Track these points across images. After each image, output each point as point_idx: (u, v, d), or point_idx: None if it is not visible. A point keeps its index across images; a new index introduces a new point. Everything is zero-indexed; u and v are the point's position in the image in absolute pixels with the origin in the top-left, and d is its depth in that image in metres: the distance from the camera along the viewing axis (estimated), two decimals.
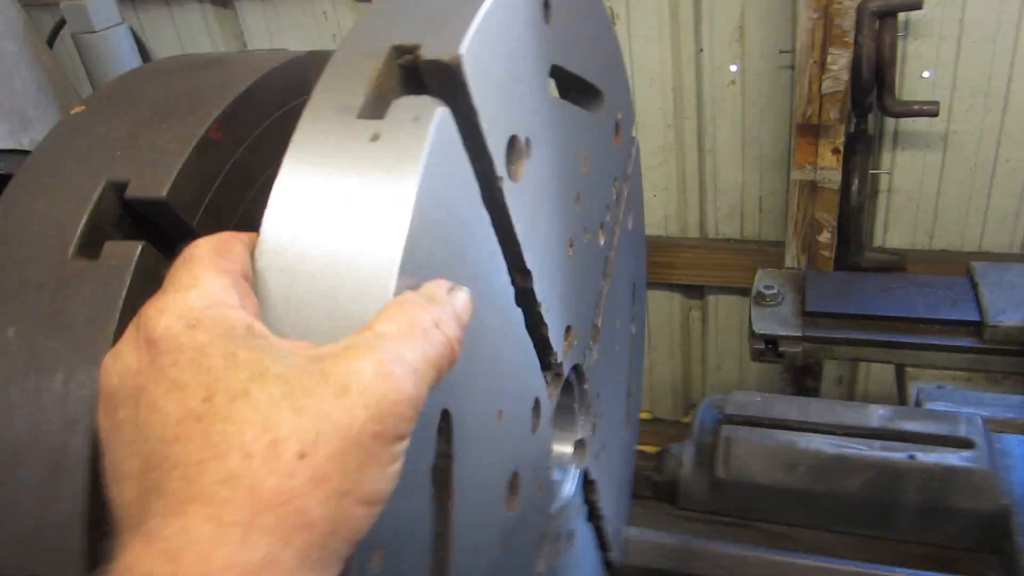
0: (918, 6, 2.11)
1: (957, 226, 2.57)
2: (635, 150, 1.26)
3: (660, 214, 2.87)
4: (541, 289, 0.82)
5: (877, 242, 2.67)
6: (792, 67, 2.43)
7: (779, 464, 1.44)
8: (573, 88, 0.95)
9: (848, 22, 2.06)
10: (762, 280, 1.93)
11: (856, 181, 2.36)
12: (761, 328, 1.79)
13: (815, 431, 1.47)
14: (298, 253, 0.53)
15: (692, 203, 2.80)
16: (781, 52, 2.40)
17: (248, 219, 0.79)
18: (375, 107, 0.58)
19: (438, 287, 0.55)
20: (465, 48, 0.60)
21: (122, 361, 0.50)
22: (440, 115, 0.56)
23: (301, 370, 0.47)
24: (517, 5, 0.70)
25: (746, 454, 1.46)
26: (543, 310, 0.84)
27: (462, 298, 0.57)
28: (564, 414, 1.07)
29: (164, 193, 0.69)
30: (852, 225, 2.44)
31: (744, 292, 2.87)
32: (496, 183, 0.67)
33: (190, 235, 0.71)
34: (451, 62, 0.59)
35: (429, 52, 0.60)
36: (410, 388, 0.48)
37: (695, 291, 3.01)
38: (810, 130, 2.27)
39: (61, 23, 2.42)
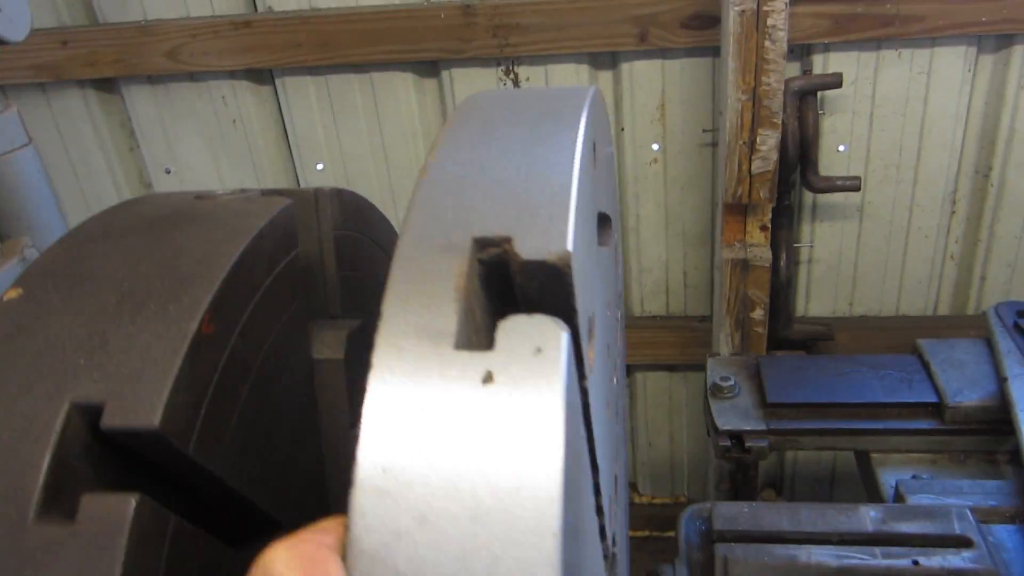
0: (838, 85, 2.14)
1: (875, 292, 2.61)
2: (619, 260, 1.16)
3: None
4: (603, 478, 0.70)
5: (799, 312, 2.68)
6: (714, 144, 2.43)
7: None
8: (600, 229, 0.84)
9: (776, 103, 2.06)
10: (715, 371, 1.86)
11: (784, 255, 2.36)
12: (725, 424, 1.72)
13: (811, 542, 1.39)
14: (412, 559, 0.38)
15: None
16: (704, 131, 2.40)
17: (248, 428, 0.63)
18: (472, 330, 0.45)
19: None
20: (571, 243, 0.48)
21: None
22: (566, 341, 0.44)
23: None
24: (585, 163, 0.59)
25: (747, 574, 1.36)
26: (604, 501, 0.72)
27: None
28: None
29: (157, 421, 0.52)
30: (781, 299, 2.44)
31: (671, 368, 2.83)
32: (584, 386, 0.55)
33: (187, 466, 0.54)
34: (559, 263, 0.47)
35: (527, 249, 0.47)
36: None
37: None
38: (739, 209, 2.26)
39: None
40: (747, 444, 1.73)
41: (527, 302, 0.50)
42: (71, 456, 0.52)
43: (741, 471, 2.43)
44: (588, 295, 0.59)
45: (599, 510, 0.68)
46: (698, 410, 2.85)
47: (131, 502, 0.48)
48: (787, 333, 2.53)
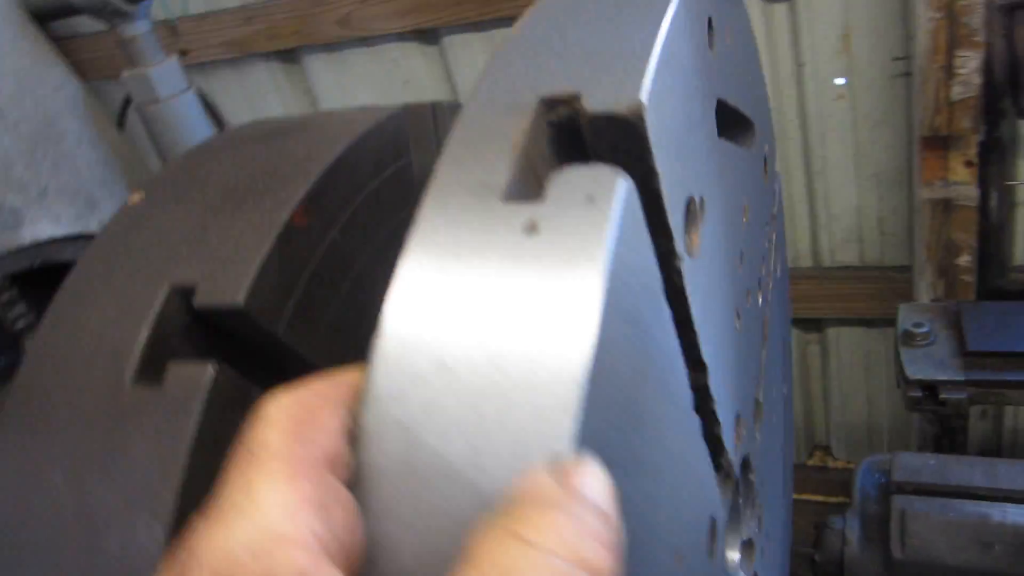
0: None
1: None
2: (779, 186, 1.07)
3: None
4: (716, 382, 0.65)
5: (1017, 260, 2.39)
6: (907, 73, 2.20)
7: (970, 542, 1.21)
8: (728, 123, 0.77)
9: (976, 20, 1.83)
10: (908, 316, 1.69)
11: (995, 195, 2.11)
12: (916, 373, 1.56)
13: (1008, 500, 1.23)
14: (427, 404, 0.36)
15: (802, 230, 2.57)
16: (894, 59, 2.18)
17: (345, 320, 0.64)
18: (525, 184, 0.42)
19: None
20: (646, 94, 0.43)
21: None
22: (624, 190, 0.39)
23: None
24: (685, 30, 0.54)
25: (927, 530, 1.24)
26: (716, 407, 0.66)
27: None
28: (731, 516, 0.88)
29: (241, 299, 0.54)
30: (992, 244, 2.18)
31: (868, 323, 2.62)
32: (675, 264, 0.50)
33: (275, 346, 0.55)
34: (630, 114, 0.42)
35: (595, 103, 0.43)
36: None
37: (812, 324, 2.76)
38: (938, 143, 2.04)
39: (128, 100, 2.35)
40: (941, 396, 1.56)
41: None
42: (167, 331, 0.55)
43: (947, 435, 2.22)
44: (689, 171, 0.54)
45: (708, 414, 0.63)
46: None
47: (209, 369, 0.50)
48: (1001, 283, 2.26)
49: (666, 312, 0.49)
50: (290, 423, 0.37)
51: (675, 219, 0.49)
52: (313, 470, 0.35)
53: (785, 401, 1.18)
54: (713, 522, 0.66)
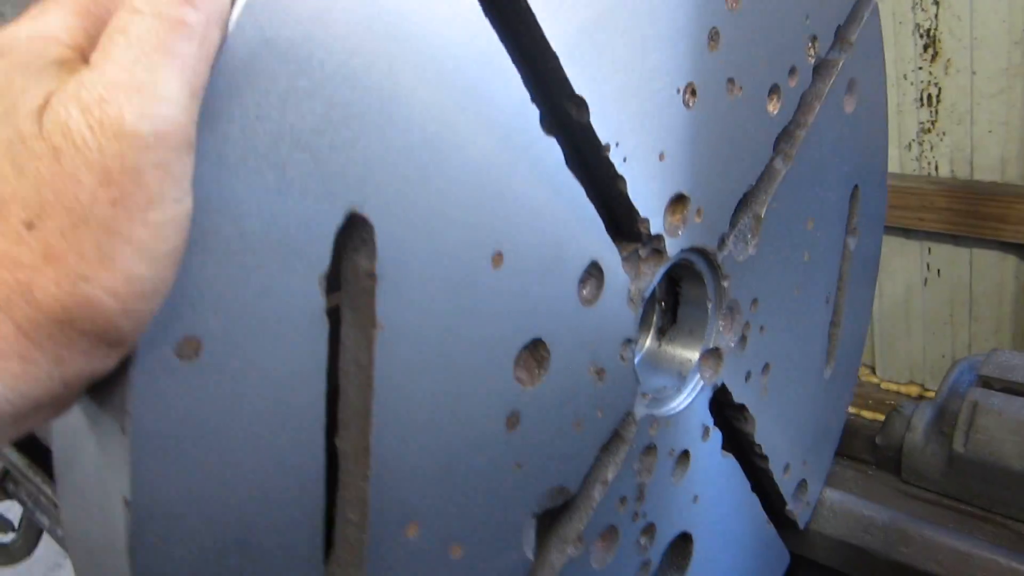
0: None
1: None
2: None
3: (995, 155, 2.36)
4: (606, 125, 0.66)
5: None
6: None
7: None
8: None
9: None
10: None
11: None
12: None
13: None
14: None
15: None
16: None
17: None
18: None
19: None
20: None
21: None
22: None
23: (30, 116, 0.38)
24: None
25: (996, 427, 1.13)
26: (613, 153, 0.67)
27: None
28: (692, 310, 0.88)
29: None
30: None
31: None
32: None
33: None
34: None
35: None
36: (146, 129, 0.37)
37: None
38: None
39: None
40: None
41: None
42: None
43: None
44: None
45: (600, 163, 0.64)
46: None
47: None
48: None
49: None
50: None
51: None
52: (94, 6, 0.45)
53: (851, 258, 1.12)
54: (596, 268, 0.69)
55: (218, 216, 0.43)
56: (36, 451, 1.67)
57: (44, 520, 1.76)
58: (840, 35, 0.97)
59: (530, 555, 0.72)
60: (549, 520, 0.78)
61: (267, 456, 0.49)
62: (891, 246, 2.75)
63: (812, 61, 0.91)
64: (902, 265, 2.79)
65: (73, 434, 0.48)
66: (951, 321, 2.80)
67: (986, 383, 1.19)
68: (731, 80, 0.79)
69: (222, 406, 0.46)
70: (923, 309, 2.83)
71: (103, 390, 0.44)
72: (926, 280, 2.77)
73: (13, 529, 2.16)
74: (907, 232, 2.69)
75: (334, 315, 0.52)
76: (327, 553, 0.57)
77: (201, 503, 0.47)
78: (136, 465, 0.43)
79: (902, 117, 2.58)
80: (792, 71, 0.88)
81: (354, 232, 0.51)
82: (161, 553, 0.46)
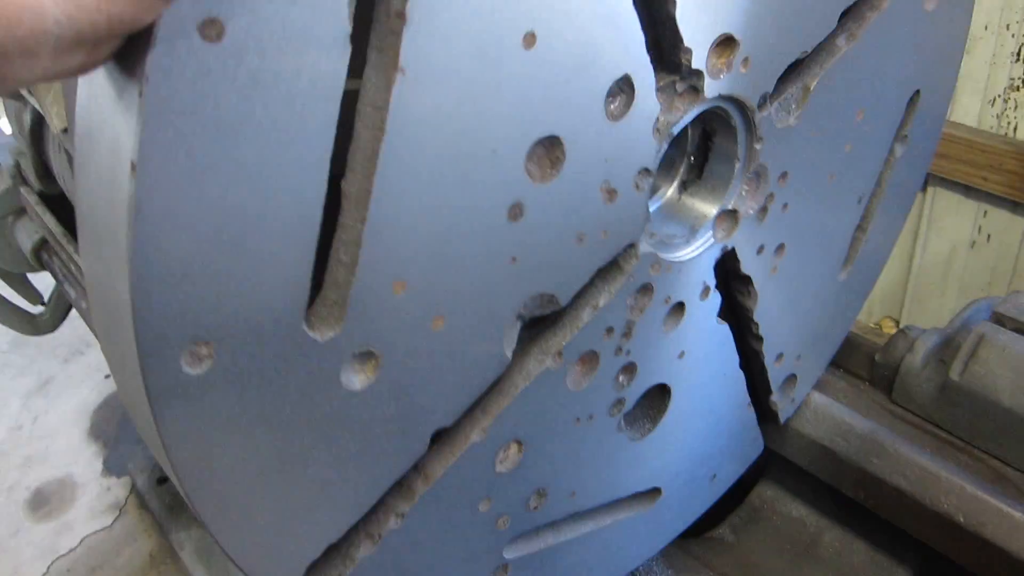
0: None
1: None
2: None
3: None
4: None
5: None
6: None
7: None
8: None
9: None
10: None
11: None
12: None
13: None
14: None
15: None
16: None
17: None
18: None
19: None
20: None
21: None
22: None
23: None
24: None
25: (996, 361, 1.13)
26: None
27: None
28: (720, 166, 0.88)
29: None
30: None
31: None
32: None
33: None
34: None
35: None
36: None
37: None
38: None
39: None
40: None
41: None
42: None
43: None
44: None
45: None
46: None
47: None
48: None
49: None
50: None
51: None
52: None
53: (895, 164, 1.09)
54: (627, 81, 0.69)
55: None
56: (73, 221, 1.73)
57: (71, 292, 1.84)
58: None
59: (508, 354, 0.75)
60: (535, 333, 0.80)
61: (272, 166, 0.51)
62: (947, 201, 2.69)
63: None
64: (953, 223, 2.72)
65: (95, 104, 0.50)
66: (988, 289, 2.75)
67: (998, 320, 1.18)
68: None
69: (236, 99, 0.48)
70: (963, 272, 2.78)
71: (128, 56, 0.46)
72: (974, 243, 2.71)
73: (43, 303, 2.26)
74: (967, 190, 2.62)
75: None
76: (314, 294, 0.60)
77: (203, 186, 0.49)
78: (147, 129, 0.46)
79: (993, 69, 2.47)
80: None
81: None
82: (159, 228, 0.49)
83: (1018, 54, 2.40)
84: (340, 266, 0.60)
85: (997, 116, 2.52)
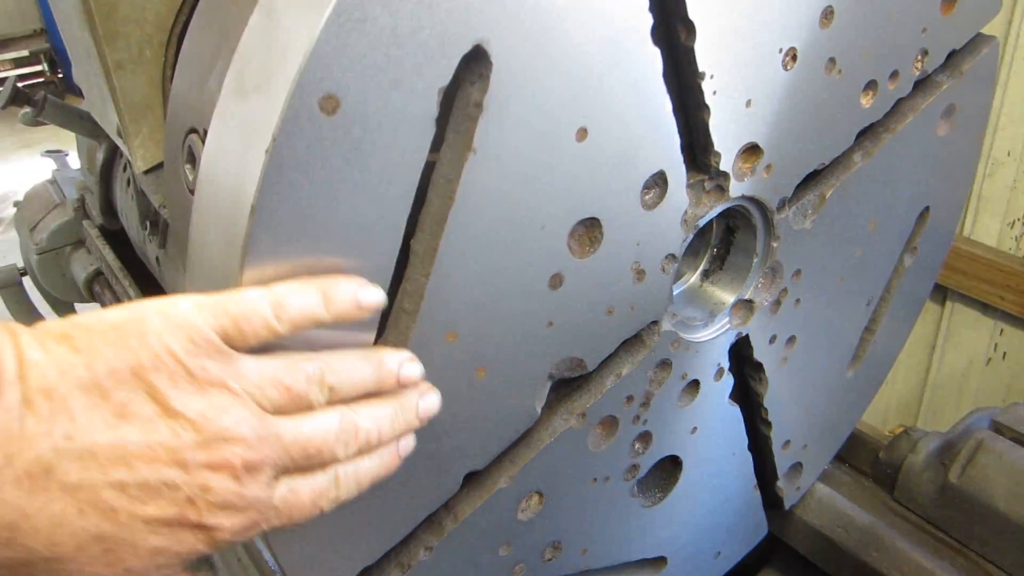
0: None
1: None
2: None
3: None
4: (707, 56, 0.75)
5: None
6: None
7: None
8: None
9: None
10: None
11: None
12: None
13: None
14: None
15: None
16: None
17: None
18: None
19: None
20: None
21: None
22: None
23: None
24: None
25: (993, 468, 1.18)
26: (706, 83, 0.77)
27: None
28: (739, 259, 0.97)
29: None
30: None
31: None
32: None
33: None
34: None
35: None
36: None
37: None
38: None
39: None
40: None
41: None
42: None
43: None
44: None
45: (695, 91, 0.74)
46: None
47: None
48: None
49: None
50: None
51: None
52: None
53: (903, 274, 1.18)
54: (662, 177, 0.79)
55: (375, 5, 0.55)
56: (129, 255, 1.85)
57: None
58: (952, 59, 1.03)
59: (538, 409, 0.83)
60: (563, 394, 0.88)
61: (361, 221, 0.61)
62: (965, 317, 2.75)
63: (917, 73, 0.98)
64: (970, 339, 2.78)
65: (222, 156, 0.61)
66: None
67: (998, 429, 1.24)
68: (832, 60, 0.87)
69: (340, 162, 0.58)
70: (978, 387, 2.82)
71: (257, 118, 0.56)
72: (989, 360, 2.76)
73: None
74: (984, 307, 2.68)
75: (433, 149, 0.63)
76: (378, 337, 0.68)
77: (304, 231, 0.59)
78: (267, 181, 0.56)
79: (1015, 194, 2.56)
80: (894, 75, 0.95)
81: (475, 65, 0.62)
82: (264, 263, 0.58)
83: None
84: (403, 313, 0.69)
85: (1016, 239, 2.60)
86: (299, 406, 0.56)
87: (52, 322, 0.51)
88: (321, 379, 0.57)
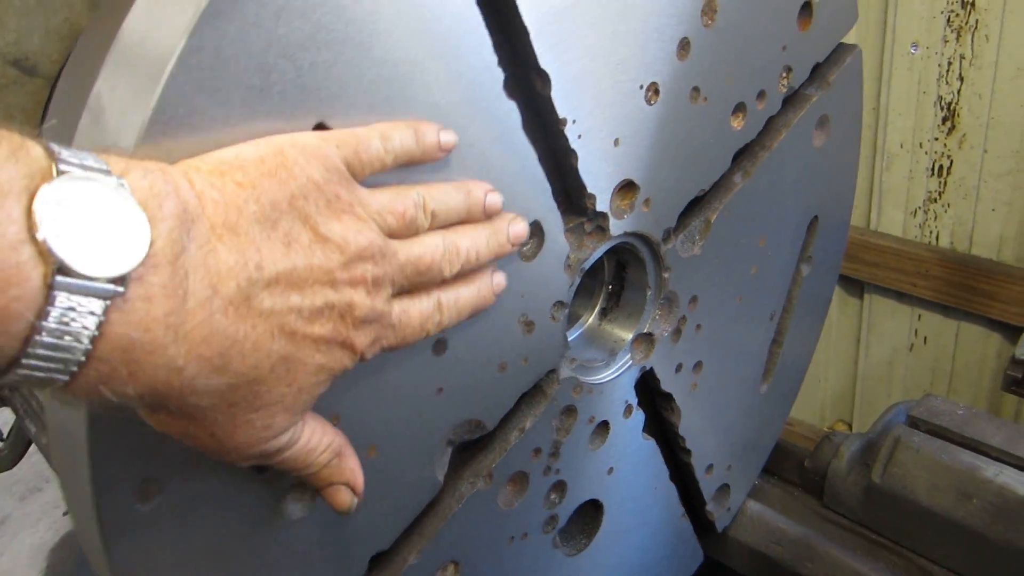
0: None
1: None
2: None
3: (995, 233, 2.42)
4: (567, 102, 0.74)
5: None
6: None
7: (950, 488, 1.16)
8: None
9: None
10: None
11: None
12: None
13: (1014, 465, 1.15)
14: None
15: None
16: None
17: None
18: None
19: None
20: None
21: None
22: None
23: None
24: None
25: (912, 464, 1.20)
26: (569, 128, 0.76)
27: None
28: (634, 294, 0.96)
29: None
30: None
31: None
32: None
33: None
34: None
35: None
36: None
37: (1018, 333, 2.50)
38: None
39: None
40: None
41: None
42: None
43: None
44: None
45: (557, 137, 0.73)
46: None
47: None
48: None
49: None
50: None
51: None
52: None
53: (802, 281, 1.19)
54: (538, 227, 0.77)
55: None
56: None
57: (32, 428, 1.85)
58: (818, 72, 1.05)
59: (440, 478, 0.80)
60: (467, 456, 0.86)
61: None
62: (884, 307, 2.82)
63: (784, 90, 1.00)
64: (891, 328, 2.85)
65: None
66: (930, 389, 2.85)
67: (913, 423, 1.26)
68: (696, 89, 0.87)
69: None
70: (905, 374, 2.89)
71: None
72: (912, 346, 2.83)
73: (1, 439, 2.25)
74: (900, 296, 2.75)
75: None
76: None
77: None
78: None
79: (912, 184, 2.64)
80: (761, 94, 0.96)
81: None
82: None
83: (932, 169, 2.59)
84: None
85: (920, 226, 2.68)
86: (409, 230, 0.61)
87: (197, 160, 0.52)
88: (425, 205, 0.62)
